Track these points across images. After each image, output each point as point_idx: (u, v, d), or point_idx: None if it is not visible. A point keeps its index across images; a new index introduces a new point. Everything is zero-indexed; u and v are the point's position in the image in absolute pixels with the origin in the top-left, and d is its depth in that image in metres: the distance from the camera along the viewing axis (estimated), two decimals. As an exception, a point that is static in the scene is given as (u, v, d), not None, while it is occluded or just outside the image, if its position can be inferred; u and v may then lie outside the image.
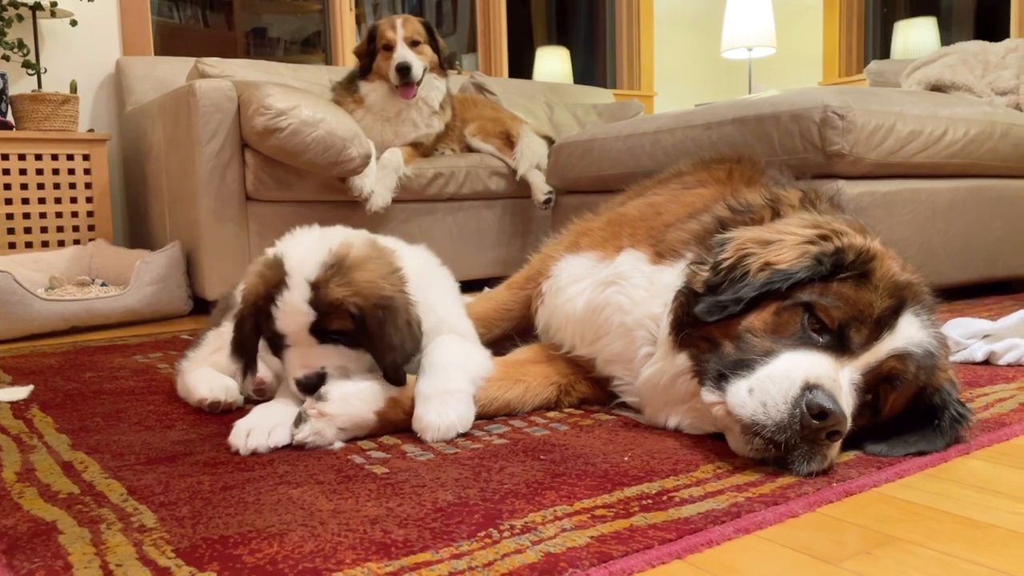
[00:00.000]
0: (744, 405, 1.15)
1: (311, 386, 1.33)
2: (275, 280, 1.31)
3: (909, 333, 1.21)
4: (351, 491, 1.10)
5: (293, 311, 1.30)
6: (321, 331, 1.32)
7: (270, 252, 1.37)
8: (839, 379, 1.16)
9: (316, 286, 1.29)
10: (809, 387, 1.11)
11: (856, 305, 1.20)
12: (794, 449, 1.12)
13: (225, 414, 1.54)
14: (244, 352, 1.40)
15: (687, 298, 1.31)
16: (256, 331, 1.37)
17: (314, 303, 1.29)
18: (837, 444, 1.16)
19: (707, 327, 1.27)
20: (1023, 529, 0.99)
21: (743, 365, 1.19)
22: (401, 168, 3.46)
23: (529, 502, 1.05)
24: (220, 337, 1.66)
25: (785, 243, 1.27)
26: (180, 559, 0.89)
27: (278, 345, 1.37)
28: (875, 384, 1.20)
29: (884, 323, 1.20)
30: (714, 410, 1.21)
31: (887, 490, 1.12)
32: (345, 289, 1.30)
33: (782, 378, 1.13)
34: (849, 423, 1.14)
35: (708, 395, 1.22)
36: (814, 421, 1.09)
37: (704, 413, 1.31)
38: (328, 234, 1.39)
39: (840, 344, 1.19)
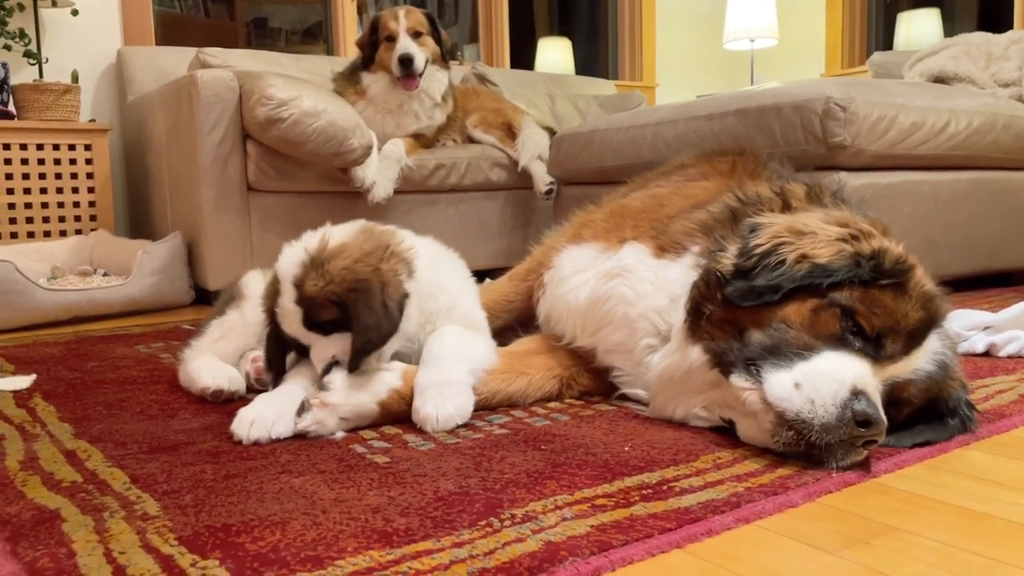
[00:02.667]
0: (790, 399, 1.13)
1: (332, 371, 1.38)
2: (273, 291, 1.42)
3: (932, 347, 1.22)
4: (353, 480, 1.11)
5: (287, 313, 1.38)
6: (317, 324, 1.37)
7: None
8: (877, 387, 1.15)
9: (298, 286, 1.36)
10: (856, 393, 1.10)
11: (894, 315, 1.19)
12: (830, 449, 1.12)
13: (228, 403, 1.55)
14: (273, 365, 1.48)
15: (708, 285, 1.30)
16: (280, 343, 1.45)
17: (298, 301, 1.36)
18: (867, 450, 1.15)
19: (734, 312, 1.25)
20: (1021, 519, 0.99)
21: (778, 355, 1.17)
22: (403, 159, 3.45)
23: (530, 491, 1.06)
24: (223, 326, 1.67)
25: (819, 237, 1.25)
26: (183, 547, 0.90)
27: (300, 349, 1.44)
28: (893, 398, 1.20)
29: (915, 338, 1.20)
30: (745, 395, 1.20)
31: (886, 480, 1.13)
32: (319, 281, 1.35)
33: (831, 378, 1.12)
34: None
35: (739, 380, 1.21)
36: (859, 429, 1.09)
37: (716, 404, 1.31)
38: (314, 235, 1.45)
39: (874, 352, 1.18)
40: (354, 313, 1.34)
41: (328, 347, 1.38)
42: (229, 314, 1.69)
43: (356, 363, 1.35)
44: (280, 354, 1.47)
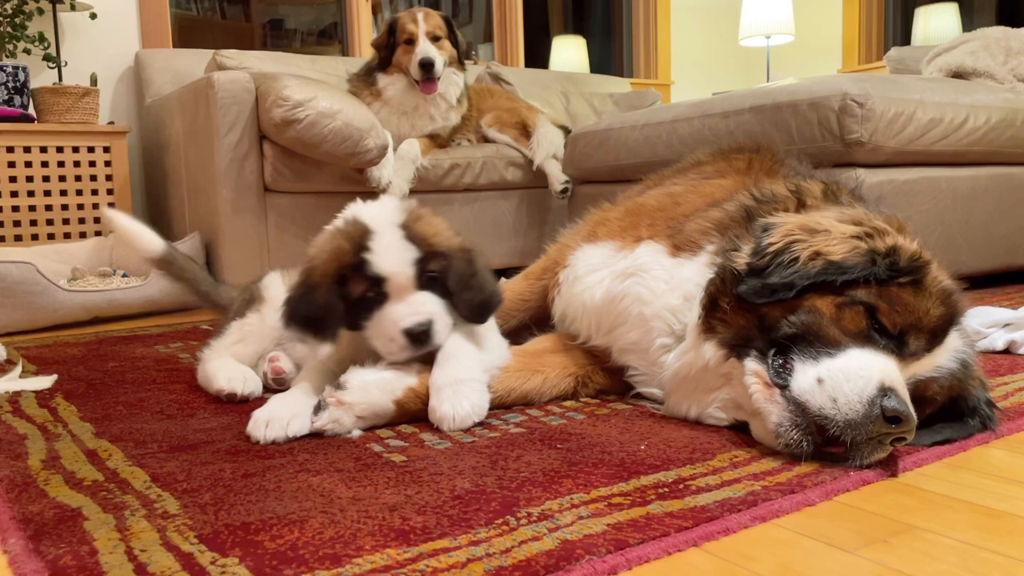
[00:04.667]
0: (812, 394, 1.13)
1: (422, 335, 1.34)
2: (359, 233, 1.33)
3: (954, 345, 1.22)
4: (370, 479, 1.11)
5: (394, 248, 1.32)
6: (422, 272, 1.34)
7: (336, 223, 1.39)
8: (904, 385, 1.15)
9: (405, 226, 1.34)
10: (885, 390, 1.09)
11: (915, 312, 1.19)
12: (856, 446, 1.11)
13: (245, 402, 1.56)
14: (321, 323, 1.35)
15: (723, 281, 1.30)
16: (332, 301, 1.34)
17: (410, 239, 1.33)
18: (893, 448, 1.15)
19: (750, 307, 1.25)
20: (1042, 518, 0.98)
21: (804, 345, 1.17)
22: (418, 159, 3.46)
23: (546, 490, 1.06)
24: (242, 329, 1.68)
25: (832, 235, 1.25)
26: (203, 545, 0.91)
27: (368, 307, 1.35)
28: (916, 397, 1.19)
29: (937, 335, 1.20)
30: (752, 388, 1.20)
31: (905, 479, 1.12)
32: (431, 227, 1.36)
33: (856, 376, 1.11)
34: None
35: (753, 364, 1.21)
36: (889, 426, 1.08)
37: (729, 405, 1.30)
38: (385, 201, 1.44)
39: (897, 349, 1.18)
40: (472, 270, 1.39)
41: (421, 304, 1.33)
42: (249, 317, 1.69)
43: (486, 316, 1.42)
44: (334, 312, 1.35)
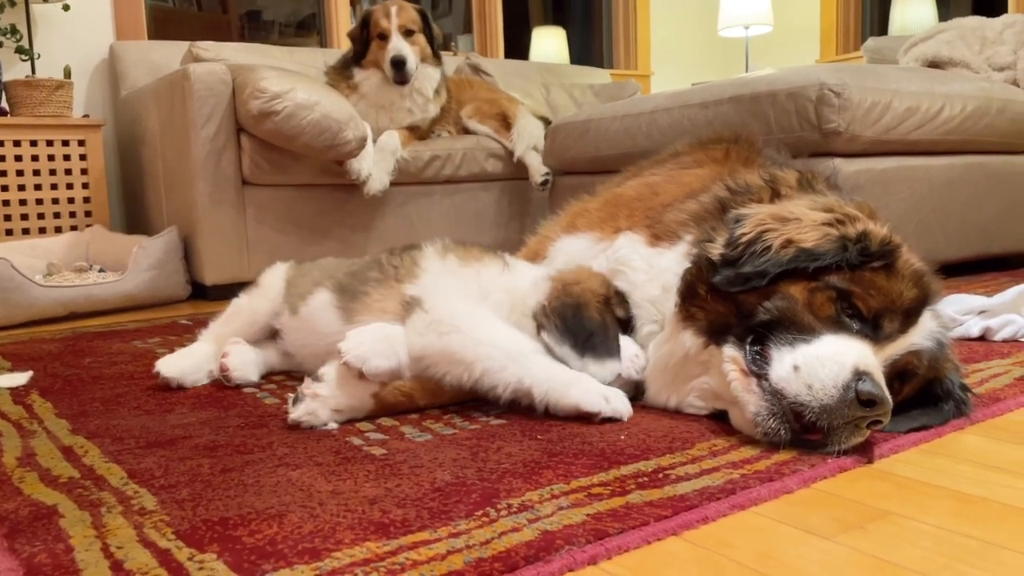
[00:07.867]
0: (788, 381, 1.13)
1: None
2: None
3: (927, 326, 1.23)
4: (350, 472, 1.11)
5: None
6: None
7: (598, 285, 1.46)
8: (880, 368, 1.15)
9: None
10: (859, 374, 1.10)
11: (889, 295, 1.20)
12: (833, 431, 1.12)
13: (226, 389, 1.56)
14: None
15: (700, 269, 1.30)
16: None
17: None
18: (870, 431, 1.15)
19: (729, 293, 1.25)
20: (1016, 503, 0.99)
21: (779, 332, 1.18)
22: (398, 151, 3.45)
23: (526, 481, 1.06)
24: (232, 308, 1.74)
25: (804, 223, 1.26)
26: (180, 541, 0.90)
27: None
28: (892, 376, 1.20)
29: (911, 316, 1.21)
30: (731, 374, 1.20)
31: (881, 465, 1.13)
32: None
33: (831, 362, 1.12)
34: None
35: (731, 351, 1.22)
36: (864, 409, 1.09)
37: (707, 395, 1.31)
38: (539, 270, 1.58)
39: (873, 333, 1.19)
40: None
41: None
42: (240, 297, 1.75)
43: None
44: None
